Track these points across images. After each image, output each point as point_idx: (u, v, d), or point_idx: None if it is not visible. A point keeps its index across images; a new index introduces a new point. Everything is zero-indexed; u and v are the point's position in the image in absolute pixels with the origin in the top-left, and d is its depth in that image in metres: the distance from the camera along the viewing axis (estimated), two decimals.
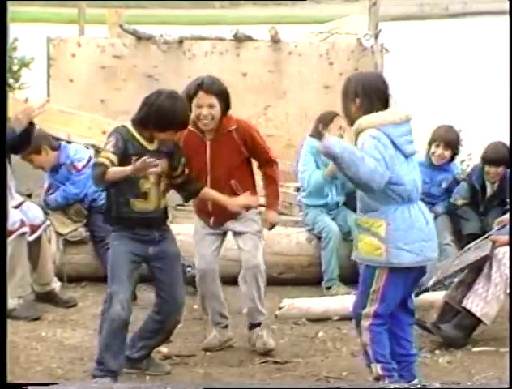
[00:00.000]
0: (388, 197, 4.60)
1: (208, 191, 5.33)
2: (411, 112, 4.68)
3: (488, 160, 6.74)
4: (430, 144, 6.98)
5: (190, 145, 5.36)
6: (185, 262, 6.72)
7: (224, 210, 5.44)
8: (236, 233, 5.59)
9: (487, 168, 6.76)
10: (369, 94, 4.60)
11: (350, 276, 6.56)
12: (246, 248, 5.55)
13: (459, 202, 6.94)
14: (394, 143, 4.56)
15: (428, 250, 4.68)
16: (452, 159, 7.08)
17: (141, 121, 4.88)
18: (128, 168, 4.74)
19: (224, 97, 5.36)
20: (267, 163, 5.58)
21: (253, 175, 5.60)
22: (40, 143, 6.55)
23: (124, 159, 4.81)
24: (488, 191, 6.89)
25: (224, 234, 5.66)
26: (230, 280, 6.03)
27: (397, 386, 4.55)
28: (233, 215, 5.50)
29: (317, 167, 6.78)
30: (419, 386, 4.43)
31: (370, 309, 4.67)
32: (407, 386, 4.49)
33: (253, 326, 5.64)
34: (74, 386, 4.74)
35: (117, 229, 4.97)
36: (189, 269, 6.71)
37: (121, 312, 4.88)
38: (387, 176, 4.50)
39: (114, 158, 4.77)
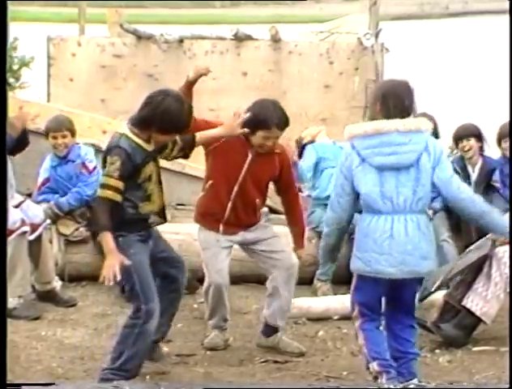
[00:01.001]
0: (361, 205, 4.76)
1: (202, 134, 5.10)
2: (386, 125, 4.65)
3: (458, 137, 7.06)
4: None
5: (234, 149, 5.40)
6: None
7: (240, 216, 5.48)
8: (252, 242, 5.58)
9: (460, 144, 7.04)
10: (387, 101, 4.70)
11: (346, 277, 6.58)
12: (279, 249, 5.56)
13: None
14: (360, 155, 4.67)
15: (378, 263, 4.65)
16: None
17: (144, 122, 4.76)
18: (109, 271, 4.64)
19: (287, 126, 5.48)
20: (295, 196, 5.67)
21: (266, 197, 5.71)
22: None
23: (133, 171, 4.74)
24: (472, 175, 6.99)
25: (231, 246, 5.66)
26: (230, 280, 6.01)
27: (391, 386, 4.56)
28: (248, 222, 5.53)
29: (314, 173, 6.91)
30: (413, 387, 4.45)
31: (355, 311, 4.81)
32: (401, 386, 4.50)
33: (272, 330, 5.60)
34: (73, 385, 4.74)
35: (124, 234, 4.80)
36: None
37: (155, 327, 4.88)
38: (343, 185, 4.71)
39: (121, 185, 4.68)
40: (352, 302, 4.84)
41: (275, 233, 5.63)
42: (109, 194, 4.66)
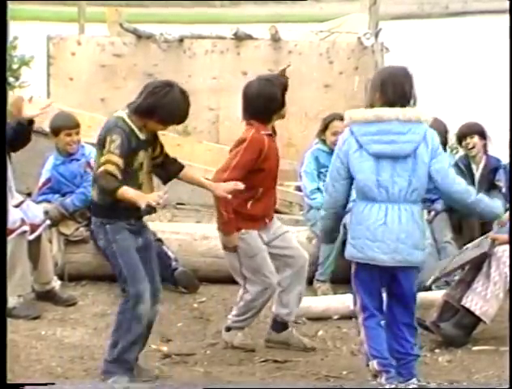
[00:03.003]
0: (355, 192, 4.81)
1: (188, 172, 5.11)
2: (386, 112, 4.66)
3: (461, 134, 7.09)
4: None
5: (273, 150, 5.47)
6: (170, 255, 6.72)
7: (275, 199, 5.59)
8: (273, 239, 5.60)
9: (464, 142, 7.05)
10: (386, 88, 4.71)
11: (346, 277, 6.60)
12: (294, 245, 5.64)
13: None
14: (358, 141, 4.70)
15: (371, 249, 4.68)
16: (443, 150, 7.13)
17: (147, 110, 4.77)
18: (141, 200, 4.64)
19: None
20: None
21: None
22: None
23: (129, 154, 4.77)
24: (476, 174, 7.00)
25: None
26: (230, 280, 6.01)
27: (392, 386, 4.56)
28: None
29: (318, 175, 6.85)
30: (415, 386, 4.45)
31: (357, 304, 4.83)
32: (402, 385, 4.50)
33: (283, 326, 5.63)
34: (73, 385, 4.75)
35: (112, 221, 4.84)
36: (174, 263, 6.70)
37: (148, 310, 4.88)
38: (341, 171, 4.76)
39: (121, 162, 4.71)
40: (354, 295, 4.85)
41: (286, 228, 5.71)
42: (112, 168, 4.70)
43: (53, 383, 4.76)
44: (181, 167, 5.08)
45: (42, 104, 5.80)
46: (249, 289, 5.53)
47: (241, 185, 5.10)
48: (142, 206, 4.66)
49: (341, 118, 6.43)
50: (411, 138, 4.68)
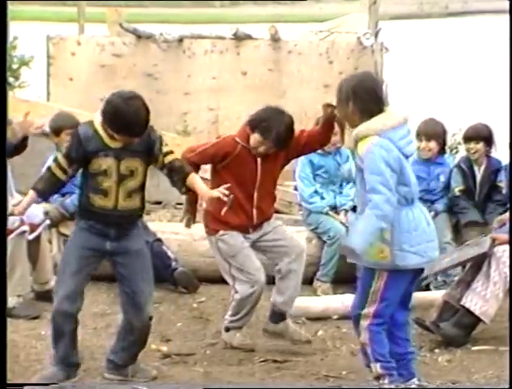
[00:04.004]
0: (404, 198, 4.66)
1: (193, 179, 5.01)
2: (407, 113, 4.68)
3: (467, 137, 7.02)
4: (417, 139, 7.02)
5: (244, 161, 5.45)
6: (170, 255, 6.73)
7: (265, 212, 5.56)
8: (263, 235, 5.62)
9: (467, 145, 7.01)
10: (361, 96, 4.57)
11: (346, 277, 6.61)
12: (286, 236, 5.65)
13: (456, 189, 6.99)
14: (397, 146, 4.58)
15: (431, 250, 4.72)
16: (442, 151, 7.12)
17: (101, 115, 4.84)
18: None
19: (291, 141, 5.54)
20: (308, 134, 5.74)
21: None
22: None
23: (85, 157, 4.82)
24: (477, 175, 6.99)
25: None
26: None
27: (392, 386, 4.56)
28: (270, 213, 5.63)
29: (314, 177, 6.88)
30: (415, 387, 4.45)
31: (370, 309, 4.68)
32: (403, 386, 4.50)
33: (280, 316, 5.63)
34: (74, 386, 4.75)
35: (77, 221, 4.99)
36: (174, 263, 6.70)
37: (59, 306, 4.88)
38: (393, 177, 4.51)
39: (65, 163, 4.87)
40: (367, 299, 4.67)
41: (280, 223, 5.72)
42: (53, 166, 4.91)
43: (54, 383, 4.77)
44: (188, 173, 4.98)
45: (36, 123, 5.83)
46: (237, 289, 5.54)
47: (225, 192, 5.01)
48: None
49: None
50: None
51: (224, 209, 5.30)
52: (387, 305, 4.68)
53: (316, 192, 6.87)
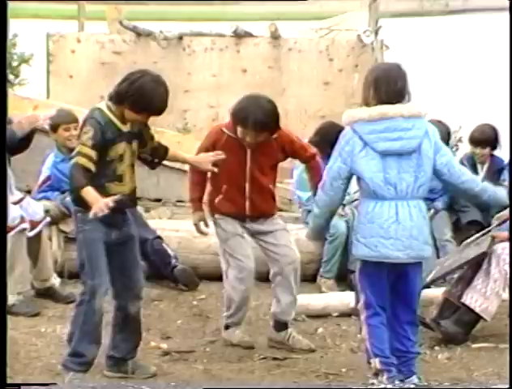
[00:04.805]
0: (361, 190, 4.80)
1: (172, 153, 5.15)
2: (390, 109, 4.65)
3: (474, 141, 7.02)
4: None
5: (231, 151, 5.41)
6: (170, 252, 6.73)
7: (262, 207, 5.54)
8: (267, 232, 5.61)
9: (474, 149, 7.01)
10: (379, 85, 4.70)
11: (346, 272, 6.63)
12: (283, 242, 5.60)
13: None
14: (363, 140, 4.66)
15: (385, 247, 4.68)
16: None
17: (117, 97, 4.79)
18: (94, 207, 4.64)
19: (274, 128, 5.43)
20: (311, 158, 5.62)
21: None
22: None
23: (102, 146, 4.77)
24: (480, 173, 6.99)
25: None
26: None
27: (390, 386, 4.57)
28: (269, 209, 5.59)
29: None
30: (414, 387, 4.46)
31: (361, 301, 4.80)
32: (401, 385, 4.51)
33: (282, 325, 5.62)
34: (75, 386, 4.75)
35: (83, 210, 4.80)
36: (174, 260, 6.71)
37: (102, 306, 4.87)
38: (336, 178, 4.74)
39: (94, 155, 4.72)
40: (359, 292, 4.82)
41: (284, 226, 5.69)
42: (84, 161, 4.72)
43: (54, 383, 4.77)
44: (167, 150, 5.12)
45: (44, 115, 5.81)
46: (228, 275, 5.57)
47: (222, 155, 5.13)
48: (90, 215, 4.67)
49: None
50: (416, 133, 4.70)
51: (218, 198, 5.50)
52: (368, 296, 4.75)
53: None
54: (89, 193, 4.70)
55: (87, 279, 4.85)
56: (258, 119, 5.33)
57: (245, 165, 5.49)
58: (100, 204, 4.62)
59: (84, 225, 4.85)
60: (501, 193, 4.97)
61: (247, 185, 5.52)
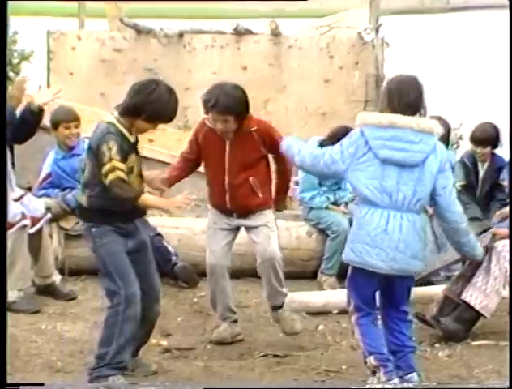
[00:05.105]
0: (357, 195, 4.81)
1: (146, 198, 4.93)
2: (401, 119, 4.65)
3: (475, 140, 6.99)
4: None
5: (210, 143, 5.47)
6: (170, 249, 6.73)
7: (242, 201, 5.53)
8: (249, 228, 5.64)
9: (475, 148, 6.99)
10: (392, 97, 4.72)
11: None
12: (259, 240, 5.59)
13: (457, 184, 6.98)
14: (368, 144, 4.67)
15: (369, 255, 4.67)
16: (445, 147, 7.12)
17: (134, 109, 4.77)
18: (169, 206, 4.79)
19: (239, 111, 5.39)
20: (282, 159, 5.58)
21: (269, 173, 5.68)
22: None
23: (124, 160, 4.77)
24: (480, 171, 6.99)
25: (237, 229, 5.70)
26: (229, 274, 6.01)
27: (390, 386, 4.57)
28: (252, 202, 5.56)
29: (320, 183, 6.88)
30: (413, 387, 4.46)
31: (351, 305, 4.83)
32: (400, 385, 4.52)
33: (275, 307, 5.67)
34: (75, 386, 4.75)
35: (98, 225, 4.82)
36: (174, 258, 6.71)
37: (138, 313, 4.88)
38: (329, 165, 4.73)
39: (124, 167, 4.73)
40: (348, 296, 4.86)
41: (266, 222, 5.62)
42: (121, 174, 4.72)
43: (54, 383, 4.76)
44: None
45: (53, 90, 5.83)
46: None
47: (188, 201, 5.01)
48: (175, 211, 4.75)
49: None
50: (422, 148, 4.68)
51: (207, 191, 5.69)
52: (355, 300, 4.78)
53: (318, 194, 6.90)
54: (149, 198, 4.82)
55: (119, 289, 4.84)
56: (220, 101, 5.33)
57: (223, 158, 5.49)
58: (178, 199, 4.74)
59: (102, 239, 4.84)
60: (477, 246, 4.98)
61: (226, 178, 5.52)
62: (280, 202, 5.79)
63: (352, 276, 4.81)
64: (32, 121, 5.84)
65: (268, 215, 5.64)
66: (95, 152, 4.77)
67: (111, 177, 4.72)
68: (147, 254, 5.05)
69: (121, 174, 4.72)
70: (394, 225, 4.66)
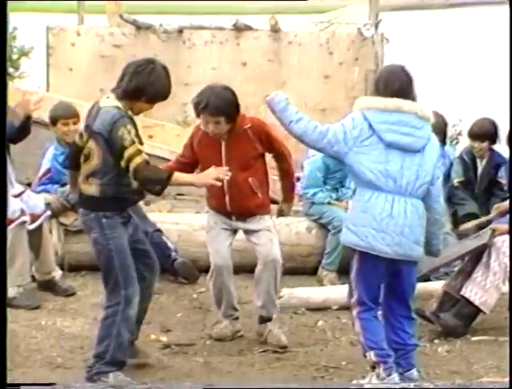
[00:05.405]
0: (354, 178, 4.80)
1: (179, 177, 4.96)
2: (406, 104, 4.66)
3: (472, 134, 6.97)
4: None
5: (206, 146, 5.47)
6: (170, 245, 6.73)
7: (242, 201, 5.52)
8: (249, 231, 5.63)
9: (472, 143, 6.97)
10: (378, 86, 4.74)
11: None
12: (261, 242, 5.58)
13: (455, 180, 6.98)
14: (372, 128, 4.66)
15: (375, 240, 4.66)
16: (443, 143, 7.11)
17: (134, 92, 4.73)
18: (204, 179, 4.81)
19: (230, 112, 5.39)
20: (282, 156, 5.61)
21: (267, 171, 5.67)
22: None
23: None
24: (479, 168, 6.97)
25: (235, 232, 5.70)
26: None
27: (388, 386, 4.57)
28: (252, 202, 5.55)
29: (325, 181, 6.89)
30: (413, 387, 4.46)
31: (354, 297, 4.79)
32: (399, 386, 4.52)
33: (264, 319, 5.64)
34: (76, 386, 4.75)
35: (109, 215, 4.75)
36: (174, 254, 6.71)
37: (136, 313, 4.89)
38: (333, 144, 4.68)
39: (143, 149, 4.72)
40: (352, 289, 4.82)
41: (268, 226, 5.62)
42: (144, 156, 4.67)
43: (54, 383, 4.75)
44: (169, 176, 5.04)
45: (34, 99, 5.81)
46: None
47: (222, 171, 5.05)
48: (213, 182, 4.74)
49: None
50: (424, 134, 4.73)
51: (207, 194, 5.66)
52: (361, 291, 4.74)
53: (321, 190, 6.90)
54: (182, 175, 4.84)
55: (120, 288, 4.83)
56: (210, 102, 5.33)
57: (220, 160, 5.46)
58: (216, 171, 4.76)
59: (113, 232, 4.78)
60: (440, 248, 4.96)
61: (225, 180, 5.51)
62: (289, 202, 5.77)
63: (361, 267, 4.74)
64: (23, 129, 5.85)
65: (268, 220, 5.65)
66: (106, 138, 4.67)
67: (138, 160, 4.62)
68: (139, 231, 5.02)
69: (144, 157, 4.64)
70: (399, 210, 4.68)
